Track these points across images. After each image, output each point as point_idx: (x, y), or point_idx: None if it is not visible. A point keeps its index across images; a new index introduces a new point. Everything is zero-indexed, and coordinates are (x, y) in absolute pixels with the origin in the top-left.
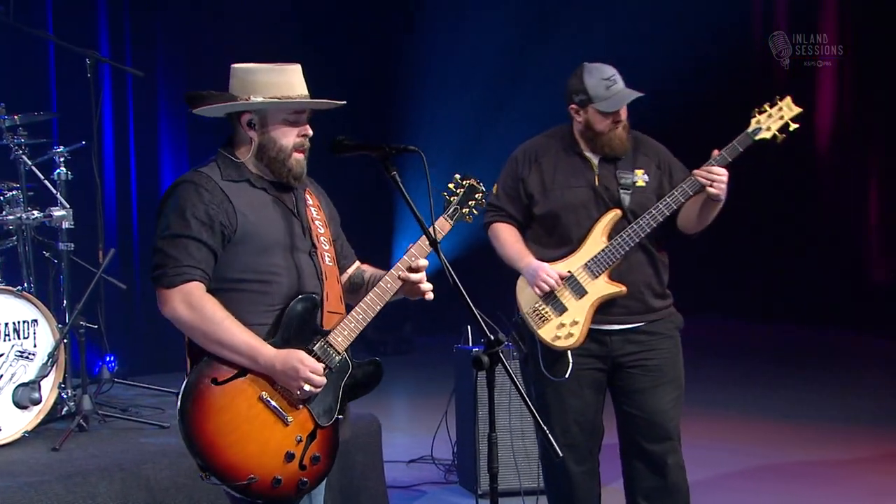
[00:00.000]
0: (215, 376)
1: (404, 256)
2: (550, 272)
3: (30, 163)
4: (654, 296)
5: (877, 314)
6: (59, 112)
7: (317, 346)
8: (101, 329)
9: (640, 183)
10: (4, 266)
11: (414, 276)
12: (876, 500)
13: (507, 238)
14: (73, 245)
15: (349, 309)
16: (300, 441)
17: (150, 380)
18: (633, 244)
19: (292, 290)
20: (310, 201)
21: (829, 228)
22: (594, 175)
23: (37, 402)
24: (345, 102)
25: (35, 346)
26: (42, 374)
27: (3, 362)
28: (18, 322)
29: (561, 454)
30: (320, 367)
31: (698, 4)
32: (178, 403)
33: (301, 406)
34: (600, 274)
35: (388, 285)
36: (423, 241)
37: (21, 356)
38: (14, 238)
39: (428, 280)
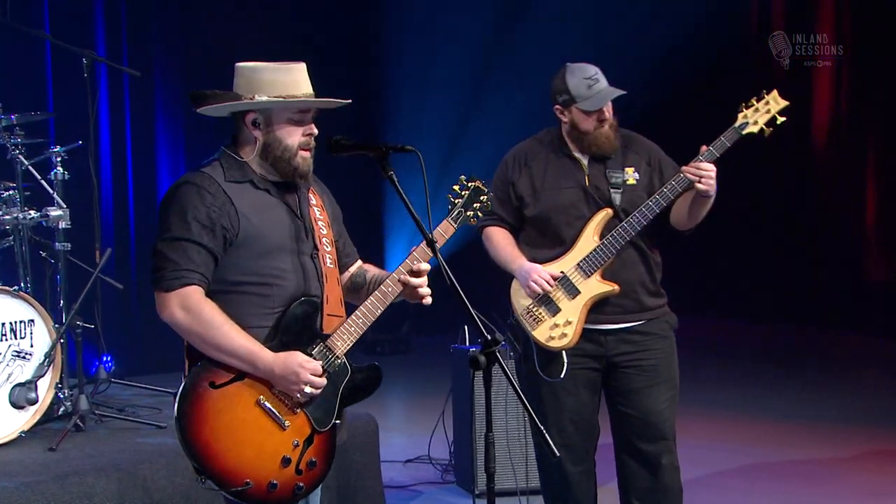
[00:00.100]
0: (213, 380)
1: (406, 259)
2: (543, 273)
3: (26, 162)
4: (647, 294)
5: (874, 313)
6: (55, 112)
7: (316, 349)
8: (98, 329)
9: (631, 181)
10: (1, 266)
11: (414, 281)
12: (872, 499)
13: (500, 241)
14: (69, 245)
15: (349, 308)
16: (297, 446)
17: (147, 380)
18: (624, 242)
19: (293, 293)
20: (313, 201)
21: (826, 228)
22: (584, 175)
23: (33, 402)
24: (350, 101)
25: (32, 346)
26: (39, 374)
27: (0, 362)
28: (15, 322)
29: (557, 454)
30: (320, 367)
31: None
32: (176, 406)
33: (298, 410)
34: (593, 273)
35: (390, 289)
36: (426, 244)
37: (18, 356)
38: (11, 238)
39: (425, 279)
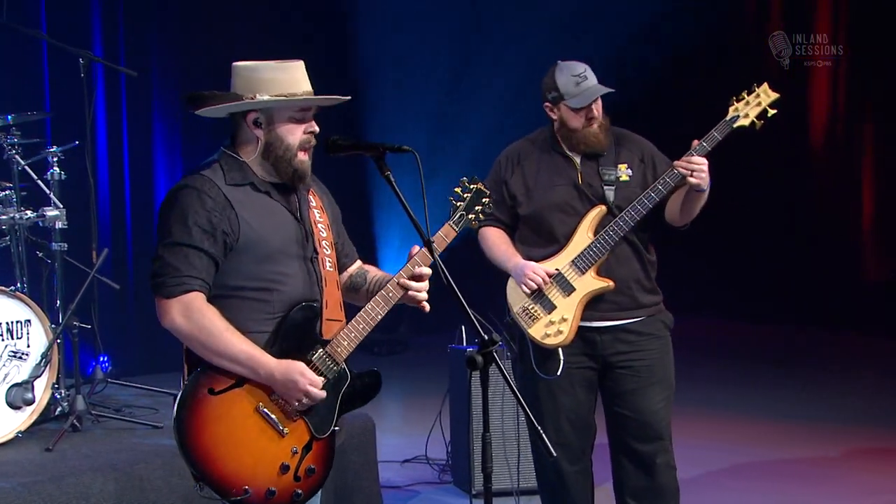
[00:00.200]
0: (212, 386)
1: (407, 264)
2: (538, 270)
3: (23, 163)
4: (642, 291)
5: (871, 313)
6: (52, 112)
7: (316, 356)
8: (95, 329)
9: (624, 178)
10: None
11: (414, 285)
12: (868, 498)
13: (495, 241)
14: (66, 245)
15: (348, 309)
16: (296, 453)
17: (144, 380)
18: (618, 238)
19: (293, 297)
20: (313, 203)
21: (824, 227)
22: (577, 173)
23: (30, 402)
24: (350, 98)
25: (28, 346)
26: (35, 375)
27: None
28: (11, 322)
29: (554, 453)
30: (320, 380)
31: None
32: (175, 412)
33: (297, 417)
34: (587, 270)
35: (391, 294)
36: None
37: (14, 356)
38: (7, 238)
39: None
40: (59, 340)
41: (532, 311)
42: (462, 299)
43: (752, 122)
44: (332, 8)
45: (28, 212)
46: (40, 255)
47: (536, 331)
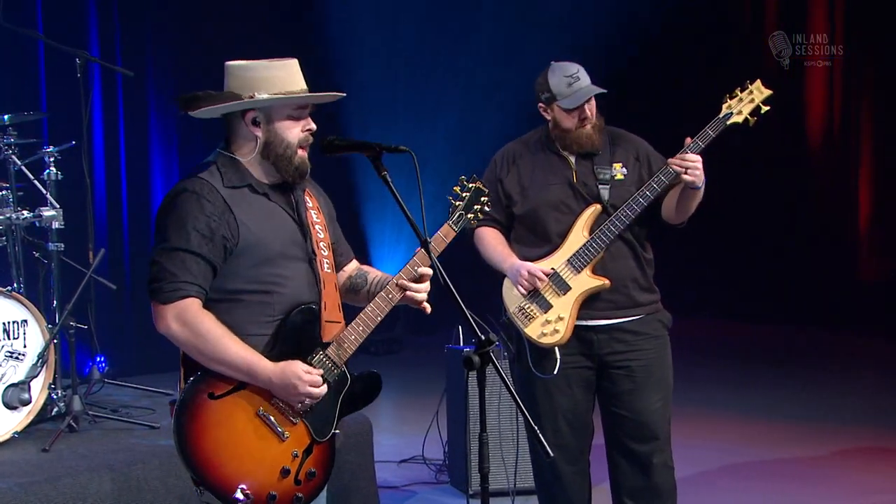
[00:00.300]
0: (212, 390)
1: (407, 265)
2: (533, 270)
3: (19, 163)
4: (639, 289)
5: (867, 313)
6: (48, 112)
7: (315, 358)
8: (91, 329)
9: (619, 177)
10: None
11: (414, 286)
12: (864, 498)
13: (491, 241)
14: (63, 245)
15: (346, 311)
16: (296, 456)
17: (141, 380)
18: (613, 236)
19: (292, 300)
20: (310, 204)
21: (821, 228)
22: (572, 172)
23: (26, 402)
24: (345, 94)
25: (25, 346)
26: (32, 375)
27: None
28: (8, 322)
29: (551, 454)
30: (319, 378)
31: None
32: (174, 417)
33: (297, 421)
34: (583, 268)
35: (391, 295)
36: (422, 246)
37: (11, 357)
38: (4, 238)
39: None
40: (55, 341)
41: (528, 310)
42: (459, 299)
43: (746, 119)
44: (332, 7)
45: (24, 212)
46: (37, 255)
47: (533, 330)
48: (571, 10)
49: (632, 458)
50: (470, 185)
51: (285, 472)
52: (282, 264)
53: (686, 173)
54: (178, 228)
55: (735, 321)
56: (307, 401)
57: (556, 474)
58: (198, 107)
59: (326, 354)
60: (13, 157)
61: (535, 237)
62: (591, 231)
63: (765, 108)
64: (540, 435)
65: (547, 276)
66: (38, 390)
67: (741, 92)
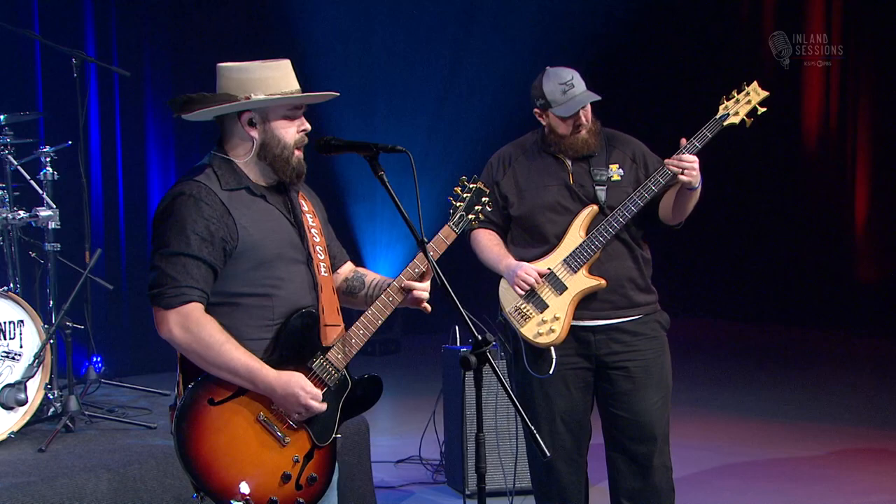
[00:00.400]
0: (212, 396)
1: (407, 267)
2: (529, 270)
3: (16, 163)
4: (636, 289)
5: (864, 313)
6: (45, 112)
7: (316, 363)
8: (88, 329)
9: (616, 178)
10: None
11: (418, 285)
12: (863, 498)
13: (487, 243)
14: (59, 245)
15: (345, 314)
16: (297, 462)
17: (137, 380)
18: (610, 237)
19: (291, 303)
20: (305, 207)
21: (817, 228)
22: (568, 173)
23: (23, 402)
24: (339, 94)
25: (21, 346)
26: (28, 375)
27: None
28: (4, 322)
29: (548, 454)
30: (320, 393)
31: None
32: (174, 423)
33: (298, 426)
34: (579, 268)
35: (391, 298)
36: (429, 246)
37: (7, 357)
38: (0, 238)
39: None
40: (51, 341)
41: (524, 310)
42: (455, 299)
43: (743, 121)
44: (330, 7)
45: (21, 212)
46: (33, 255)
47: (529, 330)
48: (569, 8)
49: (630, 459)
50: (471, 186)
51: (286, 478)
52: (280, 266)
53: (683, 174)
54: (178, 232)
55: (732, 322)
56: (306, 413)
57: (554, 474)
58: (192, 109)
59: (327, 359)
60: (9, 157)
61: (532, 238)
62: (588, 232)
63: (761, 110)
64: (537, 435)
65: (543, 276)
66: (35, 390)
67: (738, 93)
